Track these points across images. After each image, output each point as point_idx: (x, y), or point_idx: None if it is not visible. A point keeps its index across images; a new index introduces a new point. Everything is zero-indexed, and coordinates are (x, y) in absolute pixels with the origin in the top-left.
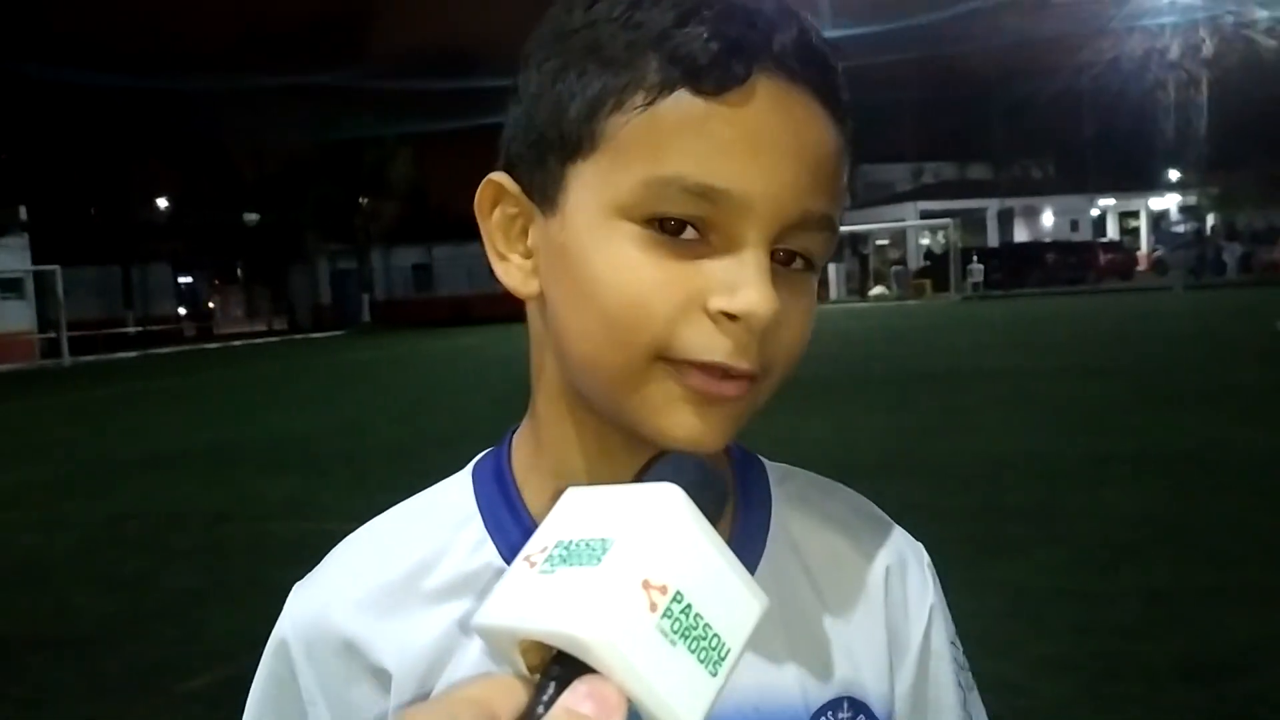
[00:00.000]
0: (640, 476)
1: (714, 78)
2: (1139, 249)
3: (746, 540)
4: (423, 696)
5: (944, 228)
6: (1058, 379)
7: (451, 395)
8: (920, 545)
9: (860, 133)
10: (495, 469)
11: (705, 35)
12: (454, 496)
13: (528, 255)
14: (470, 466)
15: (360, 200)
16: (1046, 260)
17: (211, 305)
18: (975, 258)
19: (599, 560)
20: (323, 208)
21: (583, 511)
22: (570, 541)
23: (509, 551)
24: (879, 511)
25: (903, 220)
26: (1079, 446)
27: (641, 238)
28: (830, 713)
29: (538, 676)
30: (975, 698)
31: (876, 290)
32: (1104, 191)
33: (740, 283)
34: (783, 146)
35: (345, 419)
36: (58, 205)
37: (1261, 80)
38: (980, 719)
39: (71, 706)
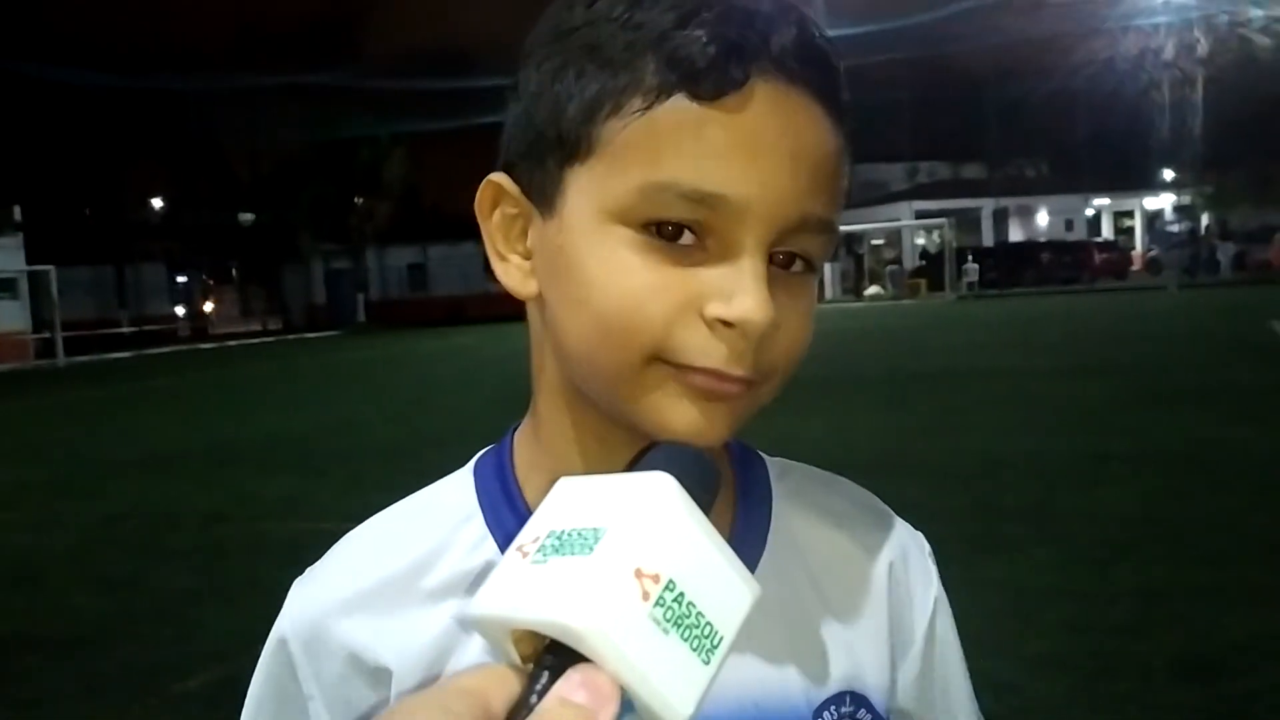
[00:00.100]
0: (632, 466)
1: (711, 82)
2: (1134, 248)
3: (747, 537)
4: None
5: (939, 227)
6: (1053, 378)
7: (447, 395)
8: (921, 535)
9: (856, 132)
10: (496, 466)
11: (704, 38)
12: (455, 494)
13: (527, 256)
14: (471, 464)
15: (355, 200)
16: (1041, 260)
17: (206, 305)
18: (970, 257)
19: (591, 549)
20: (317, 207)
21: (575, 501)
22: (563, 531)
23: None
24: (879, 504)
25: (898, 220)
26: (1074, 445)
27: (638, 242)
28: (833, 707)
29: (531, 666)
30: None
31: (872, 290)
32: (1099, 191)
33: (736, 290)
34: (781, 150)
35: (341, 419)
36: (52, 205)
37: (1256, 79)
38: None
39: (67, 707)
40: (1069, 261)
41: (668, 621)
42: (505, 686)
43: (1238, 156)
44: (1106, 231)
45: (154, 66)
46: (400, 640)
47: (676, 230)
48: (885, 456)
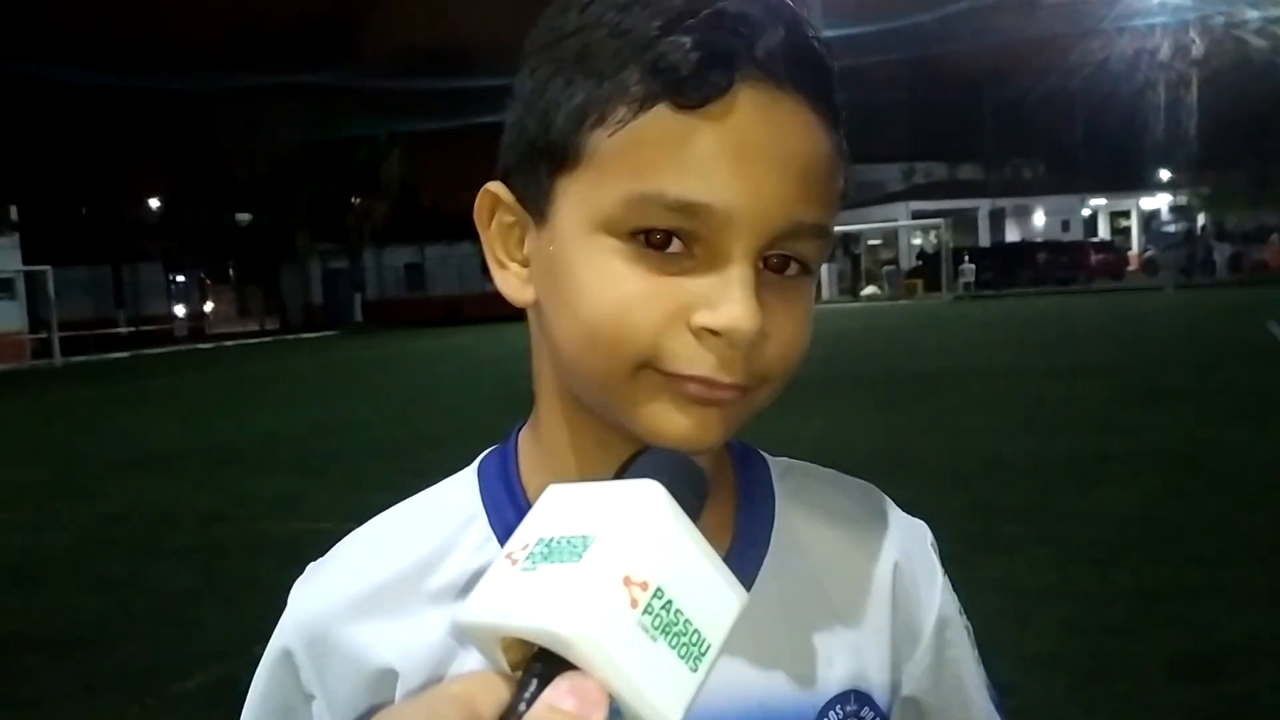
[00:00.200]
0: (621, 472)
1: (694, 89)
2: (1130, 249)
3: (750, 537)
4: None
5: (936, 227)
6: (1050, 378)
7: (444, 395)
8: (922, 525)
9: (852, 133)
10: (501, 467)
11: (688, 45)
12: (458, 495)
13: (525, 264)
14: (475, 464)
15: (353, 200)
16: (1038, 260)
17: (203, 305)
18: (967, 257)
19: (580, 557)
20: (315, 207)
21: (564, 508)
22: (552, 538)
23: None
24: (882, 499)
25: (894, 220)
26: (1070, 446)
27: (626, 252)
28: (837, 707)
29: (520, 673)
30: (977, 655)
31: (869, 290)
32: (1095, 191)
33: (723, 298)
34: (768, 157)
35: (339, 418)
36: (49, 205)
37: (1251, 80)
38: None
39: (66, 707)
40: (1065, 262)
41: (656, 629)
42: (494, 693)
43: (1234, 157)
44: (1103, 232)
45: (151, 66)
46: (405, 641)
47: (665, 238)
48: (882, 457)
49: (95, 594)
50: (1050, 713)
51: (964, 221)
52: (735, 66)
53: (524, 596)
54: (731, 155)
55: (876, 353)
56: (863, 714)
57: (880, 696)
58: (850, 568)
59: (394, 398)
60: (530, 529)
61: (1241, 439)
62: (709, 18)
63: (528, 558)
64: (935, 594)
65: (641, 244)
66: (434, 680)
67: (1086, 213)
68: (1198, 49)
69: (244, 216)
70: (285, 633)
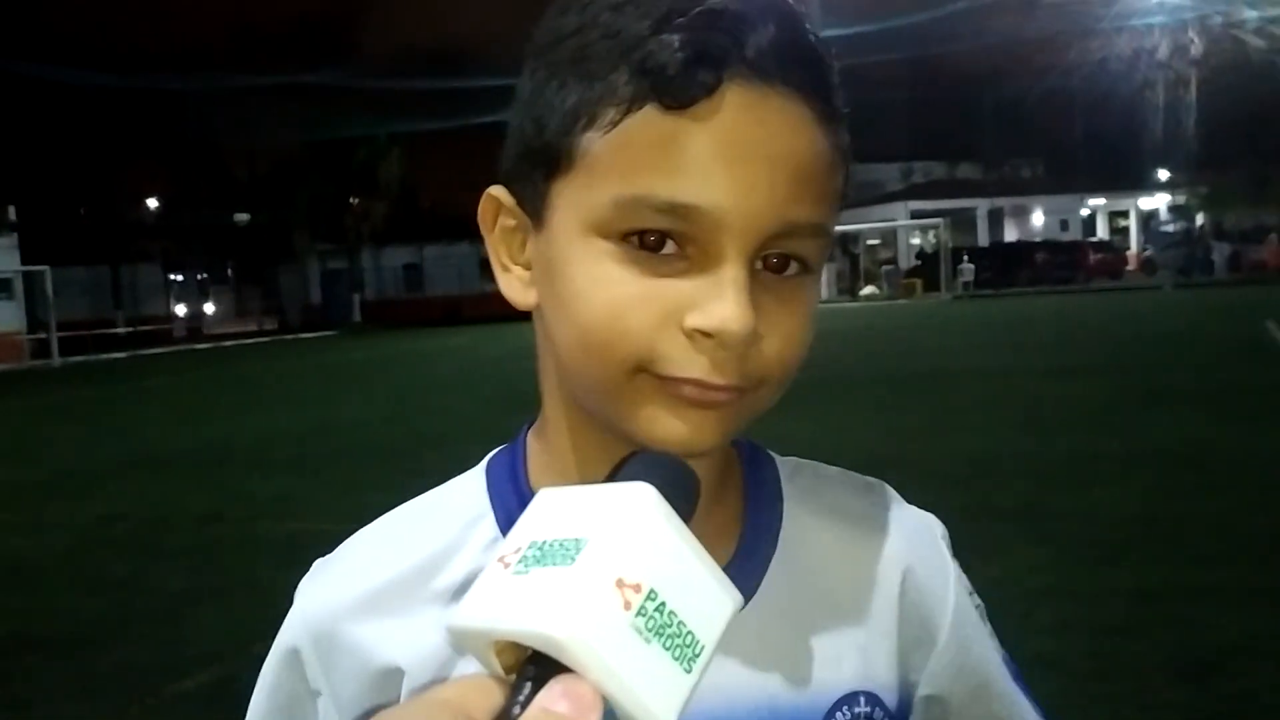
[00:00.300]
0: (613, 475)
1: (681, 90)
2: (1128, 248)
3: (758, 537)
4: None
5: (934, 227)
6: (1048, 378)
7: (442, 395)
8: (932, 518)
9: (851, 132)
10: (509, 467)
11: (675, 44)
12: (466, 494)
13: (528, 267)
14: (483, 464)
15: (351, 200)
16: (1036, 260)
17: (202, 305)
18: (965, 257)
19: (573, 560)
20: (313, 207)
21: (556, 511)
22: (544, 541)
23: None
24: (891, 495)
25: (893, 220)
26: (1068, 446)
27: (619, 254)
28: (846, 707)
29: (513, 677)
30: (990, 630)
31: (867, 290)
32: (1094, 191)
33: (714, 300)
34: (758, 156)
35: (336, 419)
36: (47, 205)
37: (1250, 80)
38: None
39: (61, 708)
40: (1064, 261)
41: (649, 631)
42: (488, 697)
43: (1233, 157)
44: (1102, 232)
45: (150, 66)
46: (411, 640)
47: (658, 240)
48: (880, 457)
49: (93, 594)
50: (1048, 713)
51: (963, 221)
52: (723, 65)
53: (517, 600)
54: (720, 155)
55: (875, 353)
56: (872, 714)
57: (889, 696)
58: (859, 568)
59: (392, 398)
60: (522, 532)
61: (1240, 439)
62: (699, 16)
63: (520, 561)
64: (949, 591)
65: (634, 246)
66: (440, 679)
67: (1085, 212)
68: (1196, 49)
69: (242, 216)
70: (292, 630)
